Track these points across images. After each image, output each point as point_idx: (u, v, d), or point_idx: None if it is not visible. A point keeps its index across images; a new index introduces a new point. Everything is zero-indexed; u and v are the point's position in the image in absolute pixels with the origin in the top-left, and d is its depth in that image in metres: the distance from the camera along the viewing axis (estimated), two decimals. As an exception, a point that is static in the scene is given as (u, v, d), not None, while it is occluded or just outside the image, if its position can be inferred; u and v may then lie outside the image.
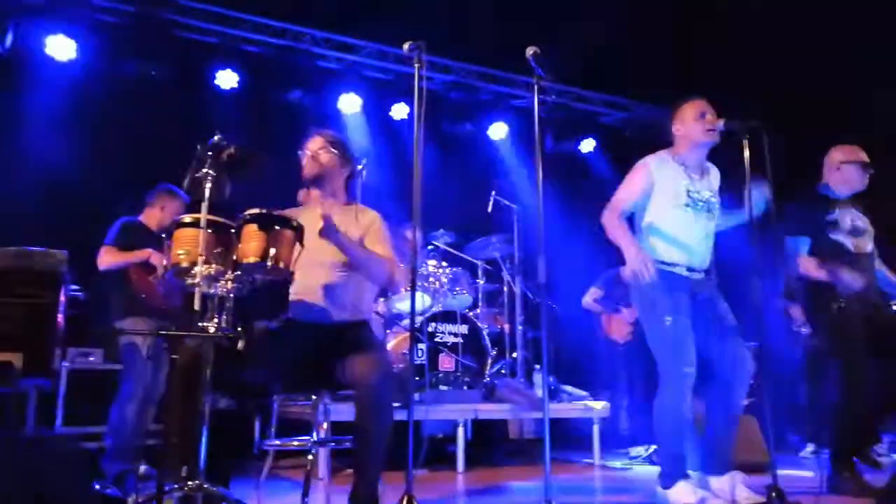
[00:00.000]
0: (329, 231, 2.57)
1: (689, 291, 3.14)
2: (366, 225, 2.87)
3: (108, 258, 3.86)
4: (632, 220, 3.29)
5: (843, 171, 3.65)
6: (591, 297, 5.69)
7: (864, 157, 3.69)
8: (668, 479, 3.00)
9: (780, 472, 2.88)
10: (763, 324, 3.10)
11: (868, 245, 3.63)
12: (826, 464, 3.41)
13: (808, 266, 3.55)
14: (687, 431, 3.04)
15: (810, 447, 5.05)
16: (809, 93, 6.25)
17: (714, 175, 3.36)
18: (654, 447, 4.67)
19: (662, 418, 3.04)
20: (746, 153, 3.12)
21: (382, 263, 2.77)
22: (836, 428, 3.47)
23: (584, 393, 5.08)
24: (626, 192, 3.22)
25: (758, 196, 3.12)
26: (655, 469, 4.32)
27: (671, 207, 3.17)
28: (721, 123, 3.19)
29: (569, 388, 5.08)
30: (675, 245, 3.16)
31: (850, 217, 3.63)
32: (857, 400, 3.37)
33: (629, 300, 5.45)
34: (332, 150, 2.91)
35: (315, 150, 2.90)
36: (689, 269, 3.17)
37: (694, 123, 3.22)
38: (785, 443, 5.27)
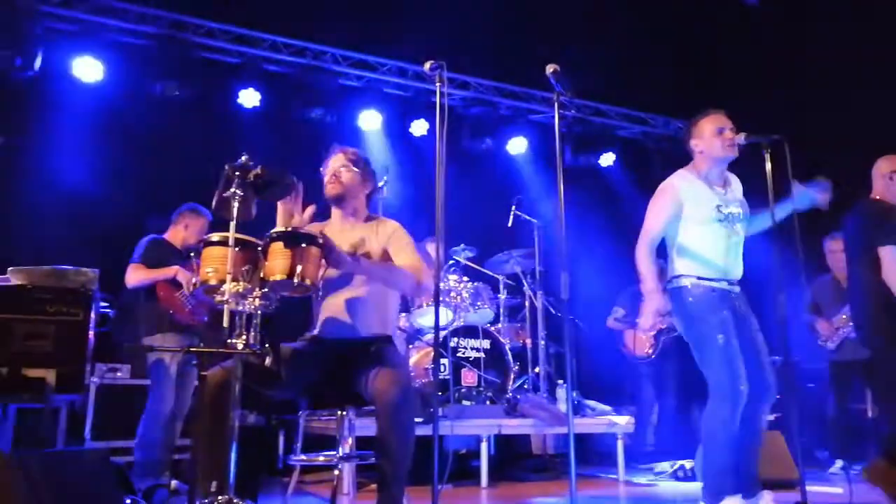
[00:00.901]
0: (340, 263, 2.59)
1: (732, 307, 3.12)
2: (387, 235, 2.88)
3: (135, 276, 3.93)
4: (664, 241, 3.29)
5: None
6: (614, 317, 5.69)
7: None
8: (713, 496, 2.96)
9: (809, 488, 2.85)
10: (788, 338, 3.07)
11: None
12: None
13: None
14: (735, 448, 3.00)
15: (839, 463, 4.96)
16: (831, 102, 6.21)
17: (736, 184, 3.35)
18: (679, 463, 4.62)
19: (713, 434, 2.99)
20: (768, 166, 3.12)
21: (406, 273, 2.75)
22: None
23: (607, 408, 5.05)
24: (656, 219, 3.20)
25: (805, 196, 3.13)
26: (681, 486, 4.29)
27: (703, 225, 3.15)
28: (742, 137, 3.18)
29: (592, 403, 5.05)
30: (713, 262, 3.15)
31: None
32: None
33: None
34: (354, 168, 2.93)
35: (337, 169, 2.91)
36: (730, 283, 3.17)
37: (713, 139, 3.19)
38: (813, 459, 5.19)
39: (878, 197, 3.66)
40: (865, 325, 3.65)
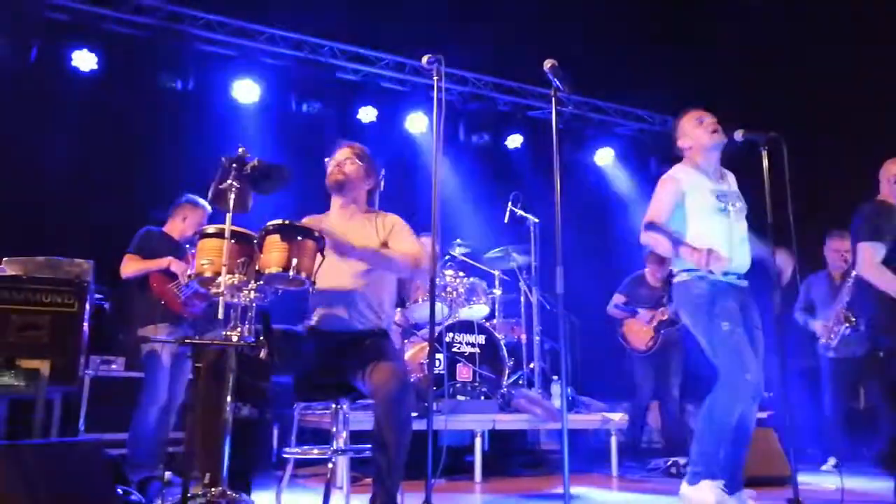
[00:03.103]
0: (341, 249, 2.61)
1: (739, 300, 3.10)
2: (388, 227, 2.91)
3: (130, 266, 3.93)
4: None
5: None
6: (614, 304, 5.63)
7: None
8: (695, 477, 2.98)
9: (801, 485, 2.86)
10: (783, 336, 3.08)
11: None
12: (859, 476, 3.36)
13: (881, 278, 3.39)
14: (728, 438, 2.99)
15: (832, 460, 4.99)
16: (829, 101, 6.22)
17: (732, 179, 3.36)
18: (672, 459, 4.64)
19: (710, 418, 3.00)
20: (765, 164, 3.13)
21: (403, 257, 2.78)
22: None
23: (602, 404, 5.06)
24: (658, 205, 3.17)
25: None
26: (674, 482, 4.30)
27: (707, 215, 3.13)
28: (740, 134, 3.19)
29: (586, 400, 5.06)
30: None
31: None
32: None
33: (650, 302, 5.41)
34: (358, 161, 2.95)
35: (341, 160, 2.95)
36: (737, 277, 3.15)
37: (696, 131, 3.23)
38: (805, 456, 5.22)
39: (882, 198, 3.67)
40: (873, 325, 3.68)
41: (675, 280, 3.20)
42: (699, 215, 3.15)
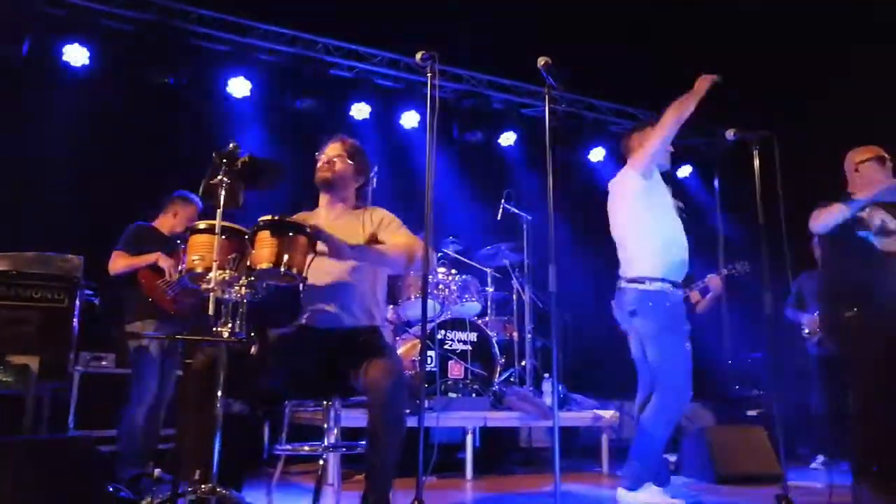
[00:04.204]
0: (340, 252, 2.59)
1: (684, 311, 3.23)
2: (377, 222, 2.89)
3: (118, 262, 3.91)
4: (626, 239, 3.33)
5: (863, 170, 3.59)
6: None
7: (880, 151, 3.58)
8: (635, 481, 3.09)
9: (790, 483, 2.88)
10: (772, 333, 3.10)
11: None
12: (848, 475, 3.39)
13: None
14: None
15: (821, 458, 5.02)
16: (821, 101, 6.25)
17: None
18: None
19: (656, 427, 3.10)
20: (756, 163, 3.14)
21: (396, 253, 2.74)
22: (854, 439, 3.45)
23: (593, 402, 5.07)
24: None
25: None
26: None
27: (664, 215, 3.19)
28: (731, 133, 3.21)
29: (578, 397, 5.07)
30: (676, 261, 3.17)
31: (879, 217, 3.49)
32: (871, 412, 3.35)
33: None
34: (349, 160, 2.93)
35: (331, 157, 2.92)
36: (676, 287, 3.21)
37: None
38: (795, 454, 5.24)
39: (850, 190, 3.68)
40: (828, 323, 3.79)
41: (642, 287, 3.21)
42: (658, 214, 3.20)
